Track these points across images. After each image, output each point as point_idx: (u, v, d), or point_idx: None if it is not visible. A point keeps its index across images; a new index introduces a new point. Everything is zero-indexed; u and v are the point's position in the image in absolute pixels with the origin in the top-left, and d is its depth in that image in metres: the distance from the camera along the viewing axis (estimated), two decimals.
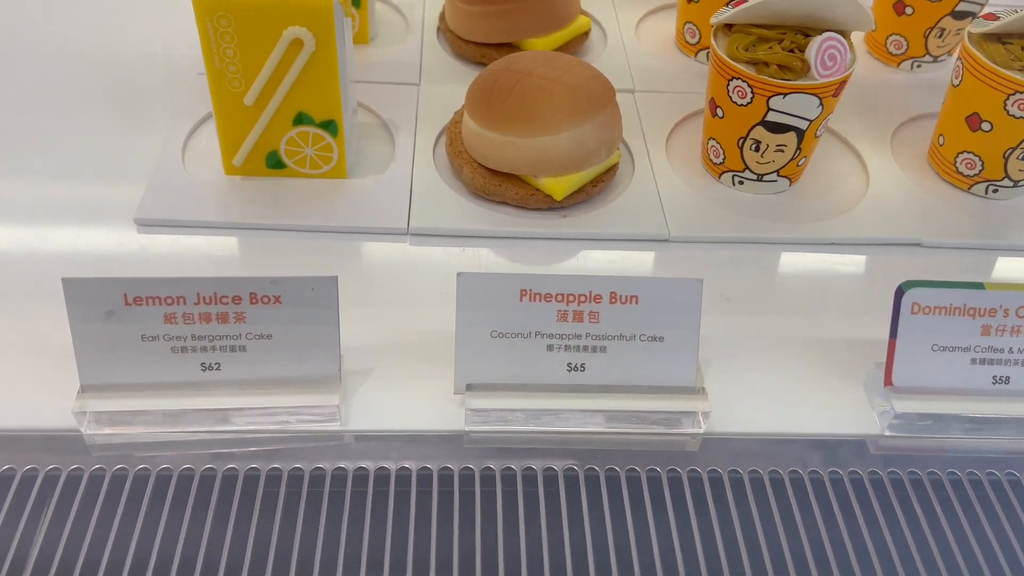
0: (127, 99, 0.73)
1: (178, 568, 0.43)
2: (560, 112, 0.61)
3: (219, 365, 0.49)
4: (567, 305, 0.50)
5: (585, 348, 0.50)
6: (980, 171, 0.68)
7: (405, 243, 0.62)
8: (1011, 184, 0.68)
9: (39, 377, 0.50)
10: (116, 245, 0.60)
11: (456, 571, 0.44)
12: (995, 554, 0.46)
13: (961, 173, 0.69)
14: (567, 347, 0.50)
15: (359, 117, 0.69)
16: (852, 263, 0.64)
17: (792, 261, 0.64)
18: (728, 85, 0.63)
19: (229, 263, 0.60)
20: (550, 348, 0.50)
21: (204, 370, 0.49)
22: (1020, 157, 0.66)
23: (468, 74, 0.78)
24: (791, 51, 0.61)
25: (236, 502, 0.46)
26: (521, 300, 0.49)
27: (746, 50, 0.61)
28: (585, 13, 0.82)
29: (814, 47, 0.59)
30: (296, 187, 0.65)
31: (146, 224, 0.61)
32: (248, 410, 0.49)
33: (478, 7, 0.76)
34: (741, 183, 0.67)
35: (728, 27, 0.65)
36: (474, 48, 0.79)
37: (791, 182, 0.68)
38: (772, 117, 0.62)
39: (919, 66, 0.83)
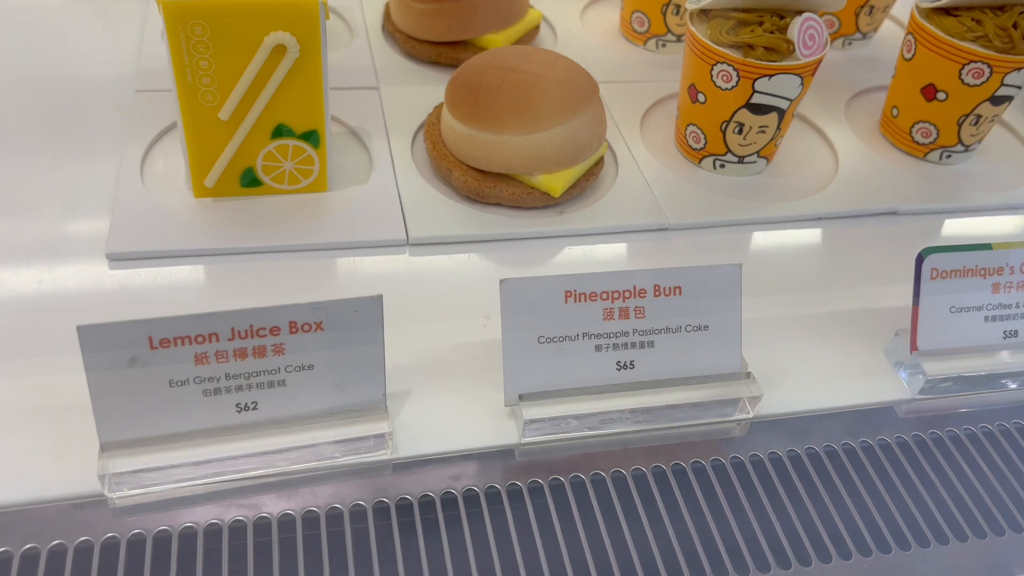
0: (65, 127, 0.66)
1: None
2: (555, 107, 0.60)
3: (256, 404, 0.44)
4: (612, 303, 0.48)
5: (633, 345, 0.49)
6: (935, 139, 0.72)
7: (405, 254, 0.59)
8: (963, 149, 0.72)
9: (45, 440, 0.44)
10: (92, 285, 0.54)
11: None
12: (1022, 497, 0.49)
13: (917, 142, 0.72)
14: (615, 345, 0.49)
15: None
16: (840, 235, 0.66)
17: (786, 238, 0.65)
18: (712, 70, 0.63)
19: (222, 293, 0.55)
20: (598, 348, 0.49)
21: (240, 411, 0.44)
22: (972, 123, 0.70)
23: (426, 74, 0.75)
24: (773, 33, 0.62)
25: (300, 549, 0.42)
26: (567, 302, 0.48)
27: (729, 33, 0.62)
28: (532, 7, 0.81)
29: (796, 27, 0.60)
30: (276, 205, 0.60)
31: (120, 259, 0.55)
32: (292, 450, 0.45)
33: (432, 5, 0.74)
34: (722, 166, 0.68)
35: (703, 12, 0.65)
36: (429, 47, 0.76)
37: (768, 162, 0.69)
38: (757, 99, 0.63)
39: (851, 44, 0.87)
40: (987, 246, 0.53)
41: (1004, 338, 0.55)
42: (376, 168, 0.64)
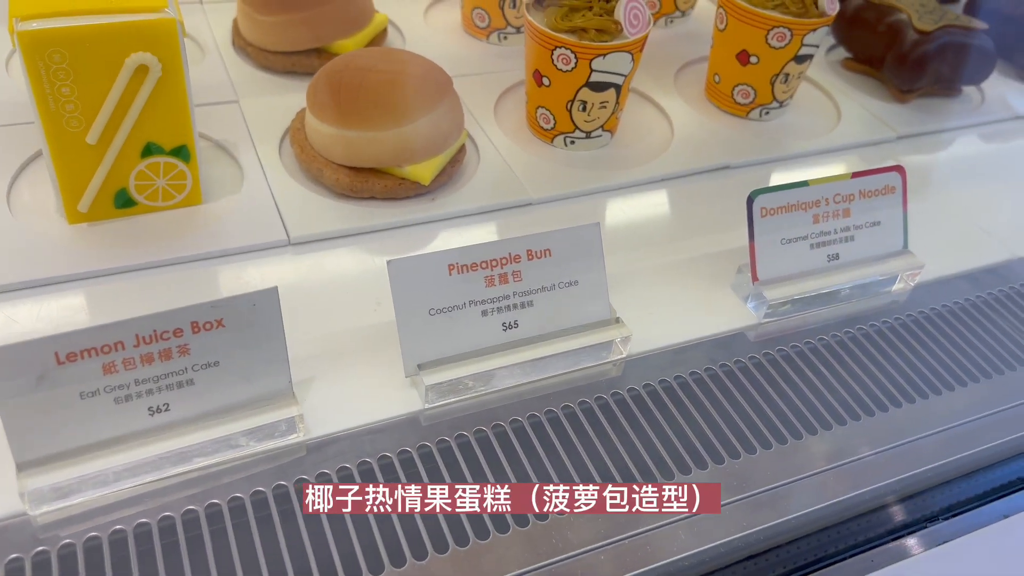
0: None
1: None
2: (415, 99, 0.64)
3: (168, 406, 0.46)
4: (492, 271, 0.53)
5: (515, 306, 0.54)
6: (754, 99, 0.80)
7: (289, 254, 0.62)
8: (779, 105, 0.81)
9: None
10: None
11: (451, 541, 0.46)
12: (859, 394, 0.57)
13: (738, 103, 0.81)
14: (499, 309, 0.54)
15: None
16: (682, 192, 0.73)
17: (635, 200, 0.72)
18: (552, 54, 0.69)
19: (113, 312, 0.55)
20: (484, 313, 0.53)
21: (152, 414, 0.46)
22: (783, 81, 0.79)
23: (282, 84, 0.78)
24: (602, 16, 0.68)
25: (232, 535, 0.45)
26: (451, 275, 0.52)
27: (563, 20, 0.68)
28: (378, 11, 0.84)
29: (622, 9, 0.67)
30: (154, 222, 0.62)
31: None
32: (208, 444, 0.47)
33: (280, 17, 0.76)
34: (572, 143, 0.74)
35: (538, 2, 0.71)
36: (282, 57, 0.78)
37: (612, 134, 0.76)
38: (595, 77, 0.69)
39: (672, 22, 0.95)
40: (804, 183, 0.61)
41: (828, 261, 0.63)
42: (247, 177, 0.67)
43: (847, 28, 0.91)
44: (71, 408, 0.44)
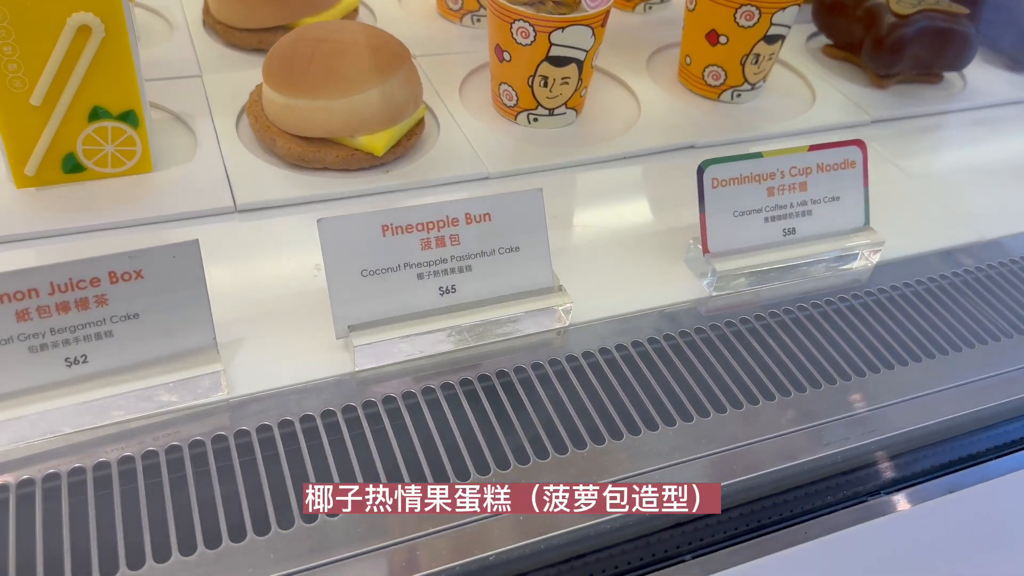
0: None
1: (73, 569, 0.40)
2: (367, 69, 0.64)
3: (85, 357, 0.46)
4: (428, 232, 0.52)
5: (452, 271, 0.53)
6: (724, 80, 0.79)
7: (235, 220, 0.62)
8: (750, 88, 0.80)
9: None
10: None
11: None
12: (808, 369, 0.55)
13: (709, 85, 0.80)
14: (435, 272, 0.53)
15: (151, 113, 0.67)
16: (644, 170, 0.72)
17: (596, 177, 0.71)
18: (512, 27, 0.68)
19: None
20: (420, 277, 0.53)
21: (69, 365, 0.46)
22: (753, 63, 0.78)
23: (247, 60, 0.78)
24: None
25: (142, 492, 0.44)
26: (384, 236, 0.51)
27: None
28: None
29: None
30: (102, 188, 0.61)
31: None
32: (124, 395, 0.46)
33: None
34: (536, 120, 0.74)
35: None
36: (249, 35, 0.78)
37: (577, 113, 0.75)
38: (555, 52, 0.68)
39: (651, 7, 0.94)
40: (758, 155, 0.60)
41: (784, 235, 0.62)
42: (201, 147, 0.66)
43: (827, 14, 0.90)
44: None
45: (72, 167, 0.61)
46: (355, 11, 0.84)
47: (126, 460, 0.45)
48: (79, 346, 0.45)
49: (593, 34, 0.69)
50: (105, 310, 0.45)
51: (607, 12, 0.69)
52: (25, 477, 0.44)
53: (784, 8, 0.74)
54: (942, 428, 0.53)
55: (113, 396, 0.46)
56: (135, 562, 0.41)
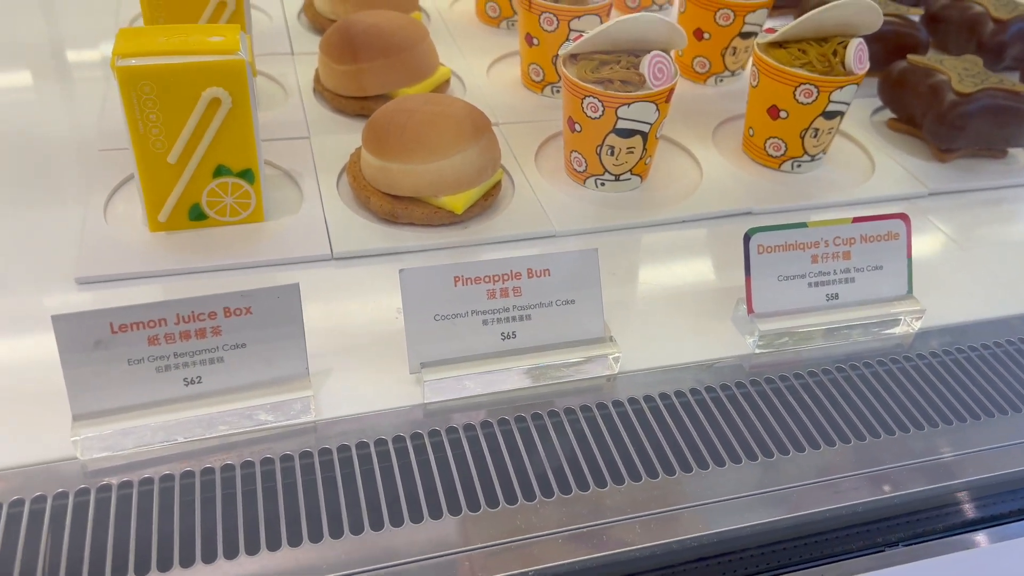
0: (40, 181, 0.77)
1: (180, 558, 0.48)
2: (451, 138, 0.72)
3: (200, 378, 0.54)
4: (494, 284, 0.59)
5: (513, 318, 0.60)
6: (785, 151, 0.84)
7: (331, 267, 0.70)
8: (810, 159, 0.85)
9: (31, 418, 0.54)
10: (62, 304, 0.64)
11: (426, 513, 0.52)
12: (842, 429, 0.59)
13: (770, 155, 0.85)
14: (498, 319, 0.60)
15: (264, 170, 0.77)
16: (701, 233, 0.78)
17: (655, 239, 0.77)
18: (583, 102, 0.75)
19: None
20: (485, 323, 0.60)
21: (187, 384, 0.54)
22: (812, 136, 0.83)
23: (350, 124, 0.87)
24: (628, 69, 0.75)
25: (239, 495, 0.52)
26: (456, 286, 0.59)
27: (593, 72, 0.75)
28: (443, 65, 0.93)
29: (646, 63, 0.73)
30: (220, 234, 0.71)
31: (86, 282, 0.66)
32: (229, 412, 0.55)
33: (353, 66, 0.86)
34: (603, 184, 0.80)
35: (572, 56, 0.78)
36: (353, 102, 0.88)
37: (642, 179, 0.82)
38: (621, 125, 0.75)
39: (721, 80, 1.00)
40: (803, 225, 0.65)
41: (827, 300, 0.66)
42: (306, 201, 0.76)
43: (892, 89, 0.94)
44: (120, 372, 0.52)
45: (197, 215, 0.71)
46: (447, 82, 0.93)
47: (228, 468, 0.53)
48: (196, 368, 0.54)
49: (657, 109, 0.75)
50: (219, 339, 0.54)
51: (671, 90, 0.76)
52: (146, 476, 0.52)
53: (842, 87, 0.79)
54: (957, 488, 0.56)
55: (220, 413, 0.55)
56: (231, 553, 0.49)
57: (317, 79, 0.92)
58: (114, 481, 0.52)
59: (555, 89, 0.95)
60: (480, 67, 1.00)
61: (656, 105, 0.75)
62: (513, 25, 1.09)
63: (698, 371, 0.63)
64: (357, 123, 0.88)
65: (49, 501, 0.50)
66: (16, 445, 0.53)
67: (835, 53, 0.80)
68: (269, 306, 0.55)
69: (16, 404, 0.56)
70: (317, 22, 1.04)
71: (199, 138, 0.67)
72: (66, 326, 0.51)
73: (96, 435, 0.52)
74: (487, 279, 0.59)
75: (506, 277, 0.60)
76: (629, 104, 0.74)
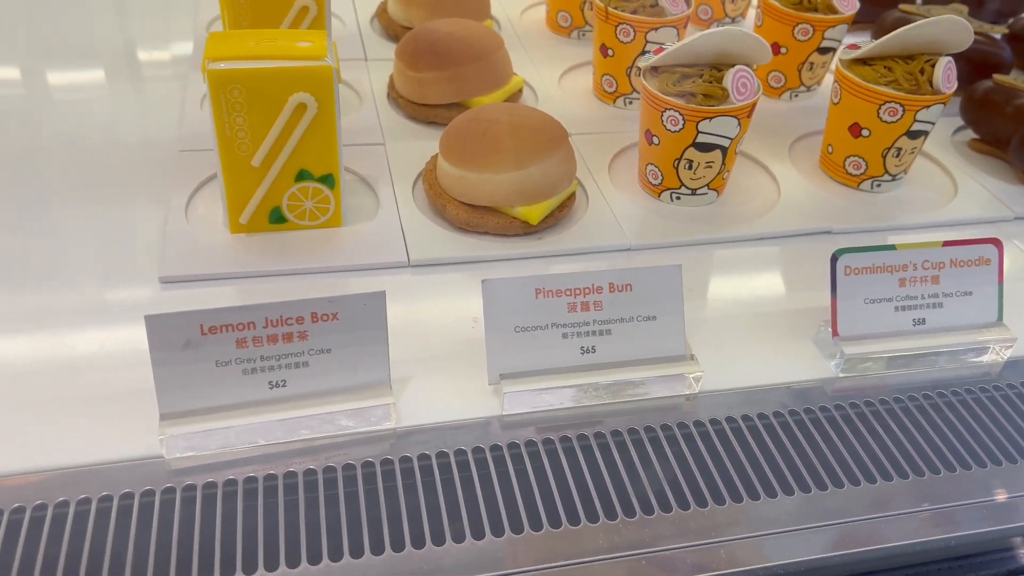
0: (123, 182, 0.78)
1: (265, 560, 0.48)
2: (529, 149, 0.72)
3: (285, 382, 0.55)
4: (575, 298, 0.59)
5: (593, 333, 0.59)
6: (865, 171, 0.83)
7: (408, 274, 0.70)
8: (891, 179, 0.83)
9: (116, 415, 0.55)
10: (150, 302, 0.65)
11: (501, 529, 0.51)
12: (930, 457, 0.58)
13: (850, 174, 0.84)
14: (578, 333, 0.59)
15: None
16: (779, 251, 0.77)
17: (733, 255, 0.76)
18: (662, 116, 0.75)
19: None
20: (565, 336, 0.59)
21: (271, 387, 0.55)
22: (895, 156, 0.81)
23: (424, 132, 0.88)
24: (711, 83, 0.74)
25: (321, 500, 0.52)
26: (537, 298, 0.58)
27: (674, 85, 0.74)
28: (515, 74, 0.93)
29: (730, 77, 0.72)
30: (299, 238, 0.72)
31: (169, 281, 0.67)
32: (312, 417, 0.55)
33: (429, 74, 0.86)
34: (678, 198, 0.79)
35: (653, 69, 0.77)
36: (427, 109, 0.88)
37: (719, 194, 0.81)
38: (701, 139, 0.74)
39: (796, 96, 0.99)
40: (892, 247, 0.64)
41: (914, 325, 0.64)
42: (383, 207, 0.76)
43: (975, 110, 0.92)
44: (208, 374, 0.53)
45: (276, 218, 0.71)
46: (520, 91, 0.93)
47: (310, 472, 0.53)
48: (281, 372, 0.54)
49: (739, 124, 0.74)
50: (305, 344, 0.54)
51: (753, 105, 0.74)
52: (229, 477, 0.53)
53: (928, 107, 0.77)
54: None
55: (303, 417, 0.55)
56: (314, 559, 0.49)
57: (391, 85, 0.93)
58: (198, 481, 0.52)
59: (628, 101, 0.94)
60: (551, 77, 1.00)
61: (738, 120, 0.74)
62: (584, 35, 1.09)
63: (779, 393, 0.62)
64: (431, 130, 0.88)
65: (136, 498, 0.51)
66: (102, 441, 0.54)
67: (922, 71, 0.78)
68: (355, 313, 0.55)
69: (101, 401, 0.57)
70: (390, 28, 1.05)
71: (283, 142, 0.67)
72: (157, 326, 0.51)
73: (181, 434, 0.53)
74: (568, 292, 0.59)
75: (587, 291, 0.59)
76: (711, 118, 0.73)
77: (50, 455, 0.53)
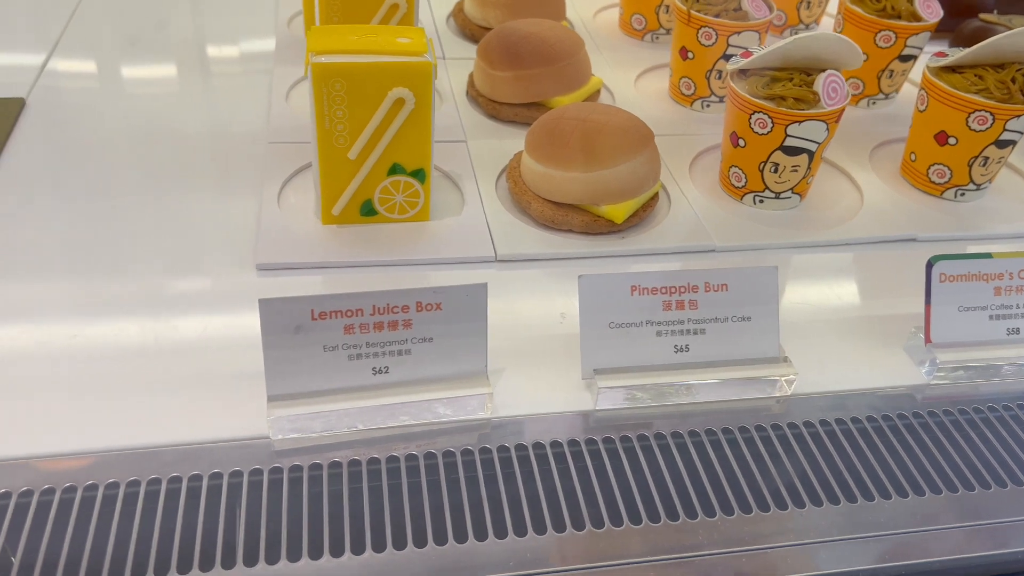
0: (216, 172, 0.80)
1: (373, 541, 0.49)
2: (618, 148, 0.72)
3: (387, 369, 0.56)
4: (670, 296, 0.59)
5: (688, 331, 0.60)
6: (949, 179, 0.82)
7: (494, 269, 0.71)
8: (975, 188, 0.82)
9: (220, 396, 0.57)
10: (246, 286, 0.66)
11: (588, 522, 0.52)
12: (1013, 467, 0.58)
13: (933, 182, 0.83)
14: (672, 332, 0.60)
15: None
16: (864, 257, 0.76)
17: (817, 259, 0.75)
18: (750, 118, 0.75)
19: None
20: (659, 334, 0.60)
21: (375, 374, 0.56)
22: (981, 164, 0.80)
23: (504, 130, 0.89)
24: (801, 87, 0.74)
25: (424, 486, 0.53)
26: (632, 295, 0.59)
27: (764, 88, 0.74)
28: (594, 75, 0.94)
29: (821, 81, 0.72)
30: (388, 230, 0.73)
31: (266, 268, 0.68)
32: (411, 404, 0.56)
33: (511, 73, 0.87)
34: (761, 202, 0.80)
35: (740, 72, 0.77)
36: (507, 108, 0.89)
37: (802, 198, 0.81)
38: (789, 142, 0.75)
39: (874, 103, 0.98)
40: (987, 255, 0.63)
41: (1008, 334, 0.64)
42: (467, 203, 0.77)
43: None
44: (315, 358, 0.54)
45: (367, 211, 0.73)
46: (598, 92, 0.93)
47: (411, 458, 0.54)
48: (384, 359, 0.56)
49: (827, 129, 0.74)
50: (408, 332, 0.55)
51: (843, 110, 0.74)
52: (335, 459, 0.54)
53: (1019, 116, 0.76)
54: None
55: (403, 403, 0.56)
56: (420, 542, 0.50)
57: (471, 83, 0.94)
58: (304, 463, 0.53)
59: (705, 104, 0.94)
60: (626, 79, 1.00)
61: (827, 124, 0.74)
62: (657, 38, 1.09)
63: (868, 398, 0.62)
64: (511, 129, 0.89)
65: (245, 476, 0.52)
66: (207, 421, 0.56)
67: (1014, 80, 0.77)
68: (458, 303, 0.56)
69: (204, 382, 0.58)
70: (466, 28, 1.06)
71: (380, 136, 0.68)
72: (270, 310, 0.53)
73: (287, 416, 0.54)
74: (664, 290, 0.59)
75: (683, 289, 0.59)
76: (800, 122, 0.73)
77: (153, 433, 0.54)
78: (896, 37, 0.92)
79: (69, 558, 0.47)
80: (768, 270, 0.60)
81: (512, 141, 0.85)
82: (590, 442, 0.56)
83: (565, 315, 0.67)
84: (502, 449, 0.55)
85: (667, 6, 1.07)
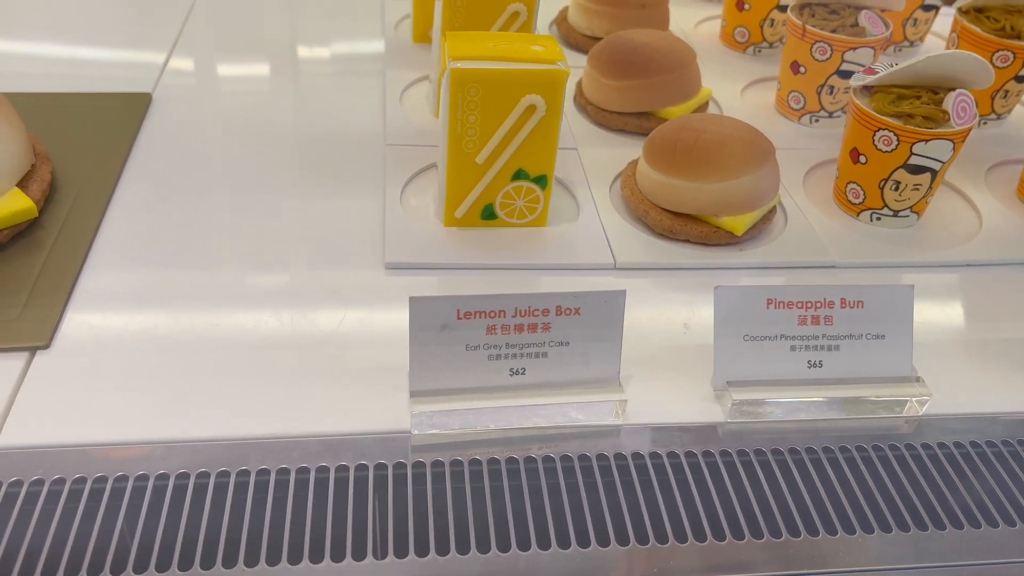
0: (339, 173, 0.82)
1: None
2: (741, 160, 0.72)
3: (524, 370, 0.57)
4: (806, 311, 0.59)
5: (822, 347, 0.60)
6: None
7: (613, 276, 0.72)
8: None
9: (359, 390, 0.58)
10: (377, 284, 0.68)
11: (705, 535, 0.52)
12: None
13: None
14: (807, 347, 0.60)
15: None
16: (985, 280, 0.75)
17: (938, 279, 0.74)
18: (874, 135, 0.74)
19: None
20: (793, 348, 0.59)
21: (512, 375, 0.57)
22: None
23: (613, 139, 0.89)
24: (930, 105, 0.73)
25: (563, 487, 0.53)
26: (768, 308, 0.59)
27: (891, 105, 0.74)
28: (704, 87, 0.94)
29: (951, 100, 0.72)
30: (507, 234, 0.74)
31: (395, 267, 0.70)
32: (545, 407, 0.57)
33: (623, 82, 0.88)
34: (879, 219, 0.79)
35: (864, 89, 0.77)
36: (616, 117, 0.90)
37: (919, 217, 0.80)
38: (914, 160, 0.74)
39: (986, 123, 0.97)
40: None
41: None
42: (582, 210, 0.78)
43: None
44: (458, 357, 0.55)
45: (488, 215, 0.74)
46: (707, 104, 0.93)
47: (548, 460, 0.55)
48: (522, 360, 0.56)
49: (953, 148, 0.73)
50: (547, 335, 0.56)
51: (970, 130, 0.73)
52: (474, 457, 0.55)
53: None
54: None
55: (537, 406, 0.57)
56: (523, 544, 0.50)
57: (579, 91, 0.95)
58: (445, 458, 0.54)
59: (814, 119, 0.94)
60: (732, 91, 1.00)
61: (953, 144, 0.73)
62: (759, 52, 1.09)
63: (1002, 422, 0.61)
64: (620, 137, 0.89)
65: (390, 469, 0.54)
66: (347, 414, 0.57)
67: None
68: (596, 308, 0.56)
69: (341, 375, 0.60)
70: (570, 36, 1.07)
71: (508, 142, 0.70)
72: (420, 308, 0.54)
73: (427, 412, 0.55)
74: (800, 305, 0.59)
75: (819, 305, 0.59)
76: (927, 140, 0.72)
77: (295, 423, 0.56)
78: (1014, 57, 0.90)
79: (228, 538, 0.49)
80: (904, 289, 0.60)
81: (623, 149, 0.86)
82: (724, 454, 0.57)
83: (688, 326, 0.67)
84: (636, 456, 0.56)
85: (772, 20, 1.07)
